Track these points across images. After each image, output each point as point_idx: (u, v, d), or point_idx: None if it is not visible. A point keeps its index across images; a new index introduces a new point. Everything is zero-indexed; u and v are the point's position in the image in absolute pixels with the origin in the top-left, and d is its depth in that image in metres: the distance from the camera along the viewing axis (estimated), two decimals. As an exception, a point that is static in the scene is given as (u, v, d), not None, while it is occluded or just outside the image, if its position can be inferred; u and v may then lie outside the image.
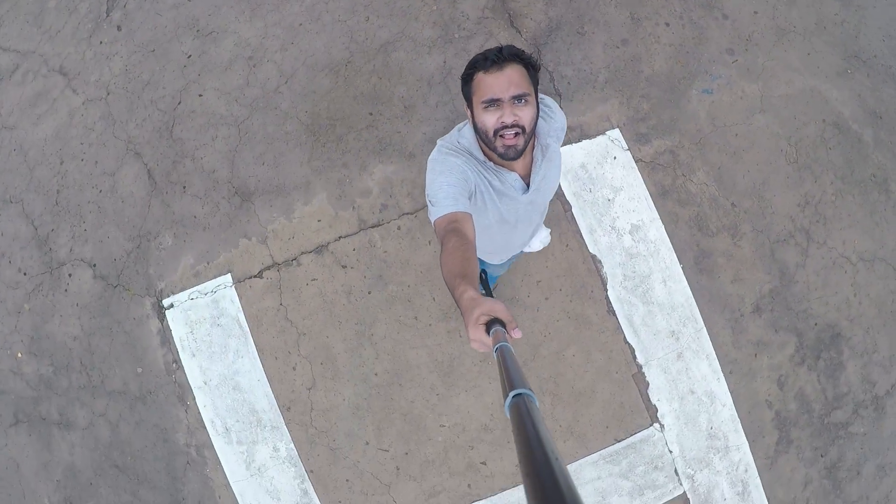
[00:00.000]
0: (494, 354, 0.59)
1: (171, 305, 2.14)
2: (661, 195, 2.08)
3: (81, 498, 2.33)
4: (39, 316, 2.37)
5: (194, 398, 2.14)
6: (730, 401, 2.16)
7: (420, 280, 2.03)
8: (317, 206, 2.07)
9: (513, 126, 0.97)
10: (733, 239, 2.15)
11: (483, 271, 1.13)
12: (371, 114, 2.08)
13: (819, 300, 2.25)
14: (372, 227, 2.04)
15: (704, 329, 2.11)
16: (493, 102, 0.97)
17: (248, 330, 2.07)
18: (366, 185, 2.06)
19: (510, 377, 0.51)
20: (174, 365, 2.15)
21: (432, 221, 1.02)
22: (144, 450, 2.22)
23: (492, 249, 1.36)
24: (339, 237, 2.05)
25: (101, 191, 2.30)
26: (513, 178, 1.09)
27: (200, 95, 2.24)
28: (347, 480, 2.10)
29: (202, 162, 2.17)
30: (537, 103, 1.04)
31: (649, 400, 2.10)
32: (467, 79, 1.03)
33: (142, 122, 2.32)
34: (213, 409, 2.12)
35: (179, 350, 2.13)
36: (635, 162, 2.06)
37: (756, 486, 2.23)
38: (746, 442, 2.19)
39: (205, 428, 2.14)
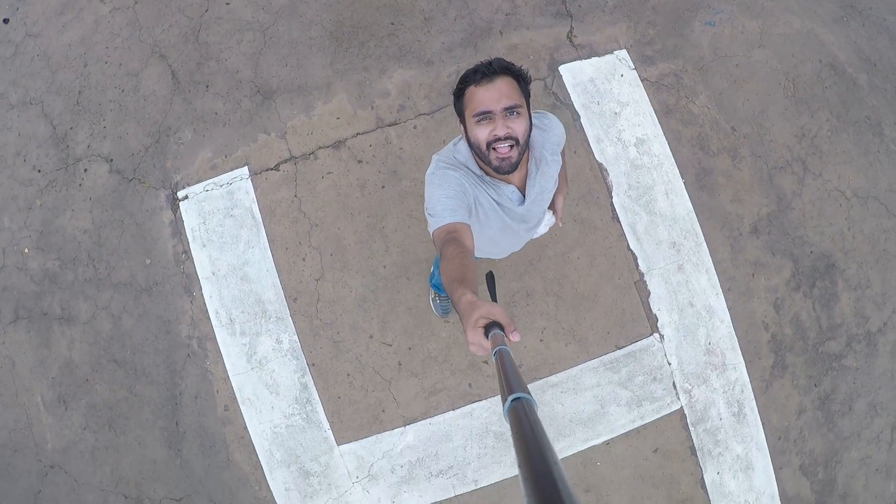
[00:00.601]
0: (493, 358, 0.60)
1: (186, 197, 2.23)
2: (665, 113, 2.24)
3: (76, 395, 2.35)
4: (51, 211, 2.44)
5: (201, 289, 2.20)
6: (728, 317, 2.25)
7: (432, 178, 2.15)
8: (336, 105, 2.19)
9: (506, 138, 0.99)
10: (733, 161, 2.29)
11: (490, 274, 1.16)
12: (392, 23, 2.24)
13: (814, 229, 2.38)
14: (389, 125, 2.17)
15: (704, 244, 2.22)
16: (485, 115, 0.99)
17: (260, 220, 2.16)
18: (385, 87, 2.20)
19: (509, 381, 0.51)
20: (183, 255, 2.23)
21: (431, 232, 1.04)
22: (145, 343, 2.27)
23: (498, 251, 1.41)
24: (357, 134, 2.17)
25: (123, 90, 2.42)
26: (510, 191, 1.12)
27: (227, 3, 2.40)
28: (348, 375, 2.15)
29: (226, 63, 2.31)
30: (530, 115, 1.05)
31: (650, 309, 2.19)
32: (458, 94, 1.05)
33: (168, 27, 2.46)
34: (219, 300, 2.18)
35: (190, 240, 2.21)
36: (641, 81, 2.22)
37: (752, 408, 2.30)
38: (743, 361, 2.28)
39: (209, 319, 2.20)
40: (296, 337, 2.12)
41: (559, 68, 2.19)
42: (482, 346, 0.67)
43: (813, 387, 2.36)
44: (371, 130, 2.15)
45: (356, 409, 2.13)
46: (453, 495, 2.16)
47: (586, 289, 2.13)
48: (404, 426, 2.12)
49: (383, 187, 2.13)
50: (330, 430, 2.13)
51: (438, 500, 2.15)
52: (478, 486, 2.15)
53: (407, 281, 2.10)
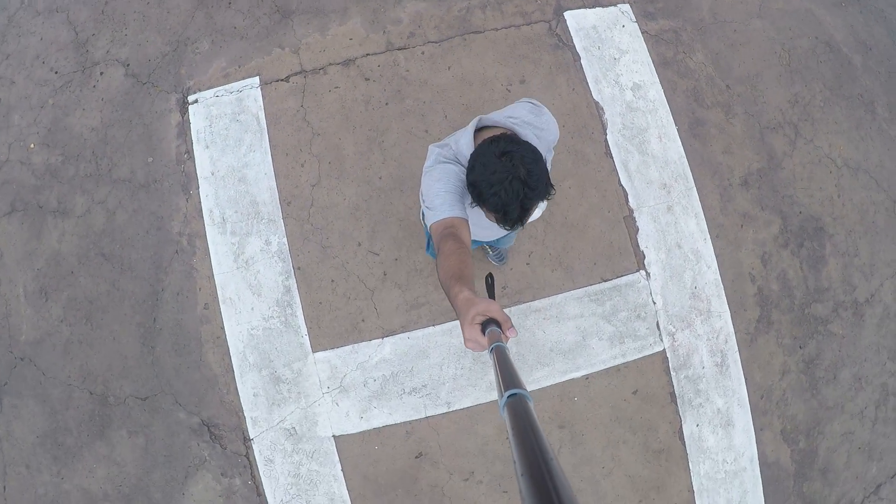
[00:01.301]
0: (490, 355, 0.61)
1: (196, 101, 2.37)
2: (663, 64, 2.39)
3: (58, 287, 2.41)
4: (62, 110, 2.58)
5: (198, 188, 2.30)
6: (715, 264, 2.32)
7: (436, 99, 2.28)
8: (350, 28, 2.36)
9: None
10: (726, 116, 2.42)
11: (490, 276, 1.16)
12: (411, -39, 2.45)
13: (804, 191, 2.48)
14: (398, 49, 2.32)
15: (695, 189, 2.32)
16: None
17: (265, 126, 2.28)
18: (398, 15, 2.38)
19: (506, 377, 0.53)
20: (185, 155, 2.34)
21: (428, 225, 1.07)
22: (136, 237, 2.35)
23: (492, 235, 1.48)
24: (367, 54, 2.33)
25: (148, 3, 2.61)
26: None
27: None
28: (332, 281, 2.21)
29: (250, -16, 2.51)
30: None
31: (638, 245, 2.26)
32: (478, 199, 0.99)
33: (200, -49, 2.68)
34: (215, 199, 2.27)
35: (194, 141, 2.33)
36: (641, 33, 2.39)
37: (735, 360, 2.33)
38: (728, 311, 2.32)
39: (202, 217, 2.28)
40: (285, 239, 2.20)
41: (564, 13, 2.37)
42: (479, 342, 0.67)
43: (798, 348, 2.39)
44: (381, 52, 2.31)
45: (336, 317, 2.18)
46: (423, 416, 2.17)
47: (575, 218, 2.21)
48: (382, 338, 2.16)
49: (387, 104, 2.27)
50: (307, 336, 2.17)
51: (408, 419, 2.16)
52: (450, 409, 2.16)
53: (400, 193, 2.20)
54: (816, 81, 2.55)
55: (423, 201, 1.10)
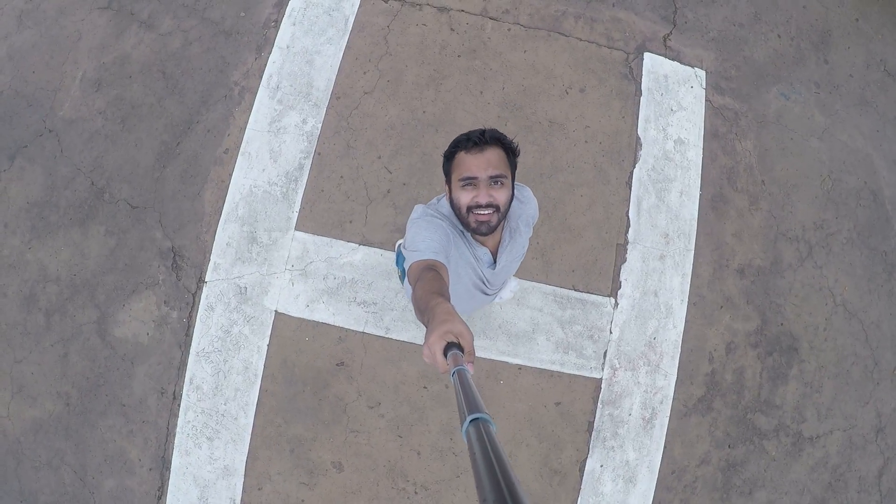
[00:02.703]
0: (452, 378, 0.61)
1: (303, -14, 2.75)
2: (712, 135, 2.64)
3: (112, 84, 2.75)
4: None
5: (270, 53, 2.63)
6: (681, 327, 2.48)
7: (502, 71, 2.57)
8: (458, -16, 2.73)
9: (487, 206, 1.09)
10: (750, 205, 2.64)
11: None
12: (536, -43, 2.82)
13: (794, 308, 2.64)
14: (490, 18, 2.65)
15: (692, 252, 2.52)
16: (470, 181, 1.09)
17: (350, 28, 2.62)
18: (503, -9, 2.74)
19: (469, 401, 0.53)
20: (273, 24, 2.69)
21: (407, 267, 1.11)
22: (197, 70, 2.68)
23: (462, 309, 1.46)
24: (462, 10, 2.66)
25: None
26: (482, 252, 1.24)
27: None
28: (342, 177, 2.47)
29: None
30: (513, 186, 1.16)
31: (618, 274, 2.46)
32: (449, 156, 1.16)
33: None
34: (279, 67, 2.60)
35: (286, 15, 2.67)
36: (705, 100, 2.67)
37: (662, 424, 2.46)
38: (676, 375, 2.47)
39: (260, 77, 2.60)
40: (320, 125, 2.49)
41: (644, 53, 2.67)
42: (436, 359, 0.68)
43: (727, 446, 2.50)
44: (474, 14, 2.65)
45: (329, 208, 2.43)
46: (361, 330, 2.37)
47: (575, 224, 2.44)
48: (359, 245, 2.40)
49: (459, 56, 2.58)
50: (297, 213, 2.43)
51: (346, 326, 2.36)
52: (386, 334, 2.36)
53: (435, 132, 2.48)
54: (848, 220, 2.76)
55: (405, 248, 1.15)
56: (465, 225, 1.14)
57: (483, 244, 1.24)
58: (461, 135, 1.14)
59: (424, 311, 0.84)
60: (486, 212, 1.10)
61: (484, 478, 0.40)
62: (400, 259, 2.07)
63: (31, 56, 2.79)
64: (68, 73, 2.77)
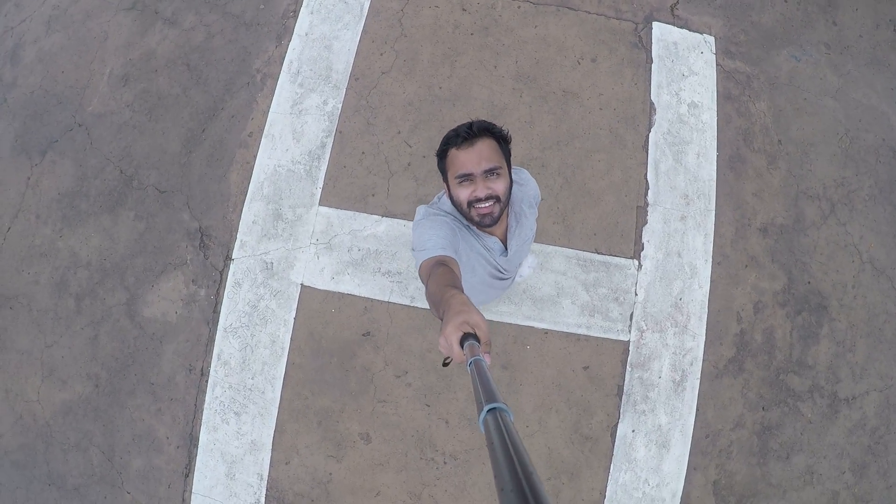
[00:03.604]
0: (468, 368, 0.63)
1: (318, -23, 2.95)
2: (726, 98, 2.74)
3: (139, 79, 2.94)
4: (211, -49, 3.25)
5: (290, 41, 2.80)
6: (707, 287, 2.53)
7: (514, 46, 2.71)
8: (467, -32, 2.91)
9: (486, 199, 1.11)
10: (768, 165, 2.71)
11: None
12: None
13: (820, 266, 2.68)
14: (500, -4, 2.84)
15: (713, 212, 2.58)
16: (466, 177, 1.11)
17: (366, 13, 2.79)
18: (511, -28, 2.91)
19: (486, 391, 0.55)
20: (291, 13, 2.88)
21: (418, 266, 1.13)
22: (220, 61, 2.86)
23: (480, 300, 1.54)
24: (472, -9, 2.85)
25: None
26: (492, 241, 1.27)
27: None
28: (363, 153, 2.60)
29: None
30: (510, 173, 1.18)
31: (640, 236, 2.52)
32: (442, 155, 1.18)
33: None
34: (299, 53, 2.77)
35: (304, 5, 2.85)
36: (716, 65, 2.78)
37: (693, 386, 2.48)
38: (704, 336, 2.50)
39: (281, 63, 2.77)
40: (340, 105, 2.64)
41: (653, 23, 2.80)
42: (453, 350, 0.69)
43: (761, 408, 2.51)
44: (485, -7, 2.83)
45: (352, 183, 2.55)
46: (386, 300, 2.45)
47: (594, 188, 2.53)
48: (382, 216, 2.50)
49: (472, 34, 2.74)
50: (320, 189, 2.55)
51: (372, 296, 2.45)
52: (411, 303, 2.44)
53: (451, 106, 2.61)
54: (869, 176, 2.81)
55: (413, 248, 1.19)
56: (469, 219, 1.17)
57: (491, 233, 1.27)
58: (450, 131, 1.16)
59: (439, 305, 0.85)
60: (487, 204, 1.12)
61: (502, 467, 0.41)
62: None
63: (59, 57, 3.01)
64: (96, 70, 2.97)
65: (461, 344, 0.70)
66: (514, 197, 1.29)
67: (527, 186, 1.35)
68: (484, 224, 1.15)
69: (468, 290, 1.27)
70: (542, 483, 0.39)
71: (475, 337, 0.70)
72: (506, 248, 1.30)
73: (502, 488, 0.39)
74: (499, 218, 1.15)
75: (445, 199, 1.26)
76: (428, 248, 1.12)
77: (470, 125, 1.13)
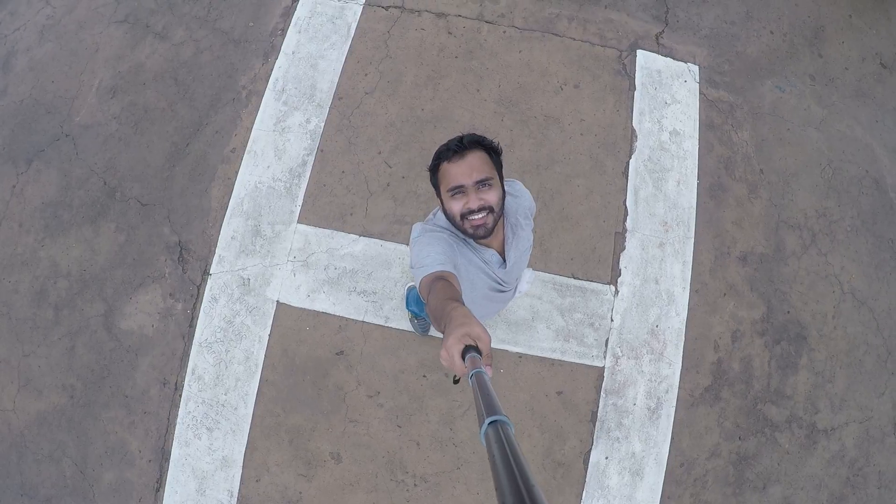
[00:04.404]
0: (470, 381, 0.63)
1: (309, -4, 3.04)
2: (708, 126, 2.79)
3: (127, 91, 3.02)
4: (205, -33, 3.35)
5: (276, 59, 2.87)
6: (684, 315, 2.56)
7: (498, 70, 2.77)
8: (454, -9, 3.00)
9: (479, 210, 1.13)
10: (749, 194, 2.75)
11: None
12: (530, -35, 3.10)
13: (800, 295, 2.71)
14: (486, 21, 2.88)
15: (692, 240, 2.62)
16: (458, 189, 1.13)
17: (352, 34, 2.87)
18: (498, -2, 2.99)
19: (487, 403, 0.55)
20: (279, 32, 2.96)
21: (418, 283, 1.14)
22: (208, 76, 2.94)
23: (482, 315, 1.54)
24: (459, 15, 2.90)
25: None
26: (490, 254, 1.29)
27: None
28: (343, 172, 2.66)
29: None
30: (502, 185, 1.20)
31: (618, 262, 2.57)
32: (433, 170, 1.20)
33: None
34: (284, 72, 2.84)
35: (292, 24, 2.94)
36: (699, 93, 2.84)
37: (668, 414, 2.51)
38: (681, 364, 2.54)
39: (266, 81, 2.84)
40: (323, 124, 2.71)
41: (637, 50, 2.86)
42: (454, 362, 0.70)
43: (737, 438, 2.54)
44: (471, 18, 2.89)
45: (331, 202, 2.61)
46: (361, 319, 2.49)
47: (573, 213, 2.58)
48: (359, 236, 2.55)
49: (456, 58, 2.81)
50: (300, 207, 2.61)
51: (347, 315, 2.49)
52: (385, 324, 2.48)
53: (433, 129, 2.67)
54: (851, 207, 2.86)
55: (412, 266, 1.20)
56: (463, 232, 1.19)
57: (489, 246, 1.28)
58: (441, 146, 1.18)
59: (441, 319, 0.86)
60: (480, 216, 1.14)
61: (503, 480, 0.41)
62: (410, 302, 2.22)
63: (50, 67, 3.09)
64: (85, 82, 3.06)
65: (463, 356, 0.70)
66: (509, 208, 1.32)
67: (521, 198, 1.38)
68: (478, 235, 1.17)
69: (469, 304, 1.28)
70: (545, 498, 0.39)
71: (477, 349, 0.70)
72: (504, 261, 1.32)
73: (503, 502, 0.39)
74: (493, 229, 1.17)
75: (440, 214, 1.29)
76: (427, 264, 1.13)
77: (460, 139, 1.16)
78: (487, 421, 0.51)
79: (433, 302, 0.96)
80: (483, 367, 0.66)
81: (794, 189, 2.79)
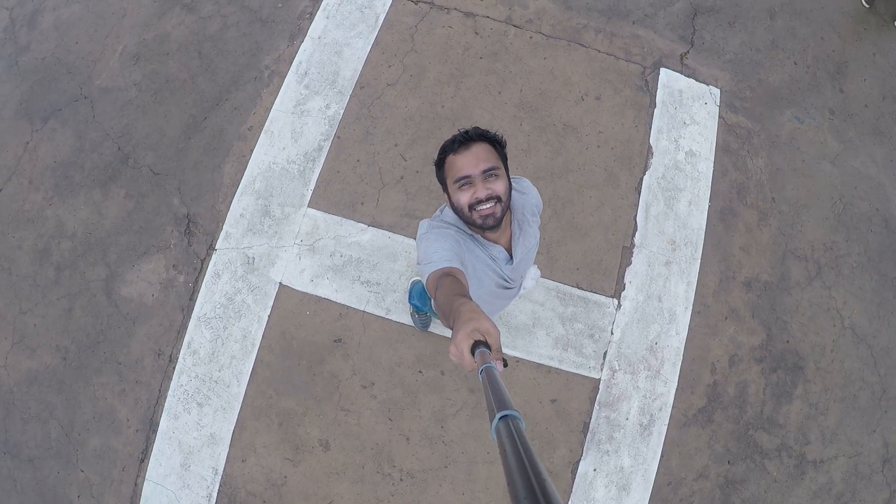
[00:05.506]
0: (479, 376, 0.63)
1: (339, -16, 3.07)
2: (724, 150, 2.82)
3: (150, 59, 3.05)
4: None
5: (302, 42, 2.90)
6: (684, 335, 2.58)
7: (521, 74, 2.81)
8: (485, -8, 3.03)
9: (487, 199, 1.13)
10: (759, 221, 2.78)
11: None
12: (562, -26, 3.13)
13: (800, 326, 2.74)
14: (514, 25, 2.92)
15: (699, 262, 2.65)
16: (465, 180, 1.14)
17: (379, 25, 2.89)
18: (527, 2, 3.02)
19: (497, 398, 0.55)
20: (308, 16, 2.99)
21: (425, 279, 1.14)
22: (232, 52, 2.97)
23: (488, 311, 1.52)
24: (487, 17, 2.93)
25: None
26: (497, 251, 1.28)
27: None
28: (358, 161, 2.68)
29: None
30: (508, 177, 1.20)
31: (623, 276, 2.59)
32: (440, 163, 1.22)
33: None
34: (309, 56, 2.87)
35: (321, 9, 2.95)
36: (718, 117, 2.88)
37: (660, 432, 2.52)
38: (676, 383, 2.55)
39: (290, 63, 2.86)
40: (342, 111, 2.73)
41: (661, 69, 2.90)
42: (464, 357, 0.70)
43: (726, 462, 2.55)
44: (499, 21, 2.92)
45: (343, 189, 2.63)
46: (362, 309, 2.51)
47: (582, 223, 2.60)
48: (368, 226, 2.57)
49: (481, 58, 2.84)
50: (311, 191, 2.63)
51: (348, 304, 2.51)
52: (386, 315, 2.50)
53: (452, 126, 2.70)
54: (859, 243, 2.89)
55: (419, 262, 1.20)
56: (472, 223, 1.18)
57: (496, 242, 1.28)
58: (446, 140, 1.20)
59: (449, 314, 0.86)
60: (488, 205, 1.14)
61: (515, 474, 0.41)
62: (413, 296, 2.25)
63: (76, 28, 3.11)
64: (109, 45, 3.08)
65: (472, 352, 0.70)
66: (517, 205, 1.32)
67: (528, 195, 1.38)
68: (487, 225, 1.16)
69: (476, 301, 1.24)
70: (556, 491, 0.39)
71: (486, 344, 0.70)
72: (511, 257, 1.31)
73: (516, 497, 0.39)
74: (501, 219, 1.17)
75: (448, 210, 1.28)
76: (434, 260, 1.13)
77: (466, 132, 1.18)
78: (499, 416, 0.51)
79: (441, 298, 0.96)
80: (493, 362, 0.65)
81: (803, 220, 2.82)
